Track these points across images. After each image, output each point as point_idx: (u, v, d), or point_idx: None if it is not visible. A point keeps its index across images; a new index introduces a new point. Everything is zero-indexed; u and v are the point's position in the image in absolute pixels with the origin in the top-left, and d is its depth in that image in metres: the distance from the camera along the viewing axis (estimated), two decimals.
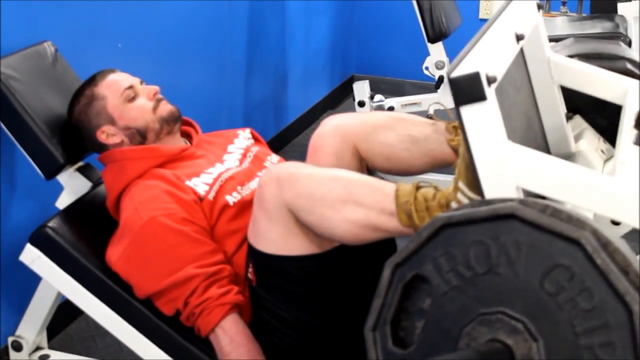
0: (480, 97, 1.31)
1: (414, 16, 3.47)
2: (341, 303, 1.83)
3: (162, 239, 1.88)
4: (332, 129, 1.98)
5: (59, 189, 2.20)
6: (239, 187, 2.02)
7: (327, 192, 1.64)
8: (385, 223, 1.61)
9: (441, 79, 3.55)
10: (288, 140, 4.31)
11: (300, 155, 4.15)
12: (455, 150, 1.92)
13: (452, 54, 3.55)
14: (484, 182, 1.35)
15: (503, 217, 1.24)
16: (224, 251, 1.94)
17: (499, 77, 1.40)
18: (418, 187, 1.61)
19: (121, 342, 2.04)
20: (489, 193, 1.35)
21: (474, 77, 1.31)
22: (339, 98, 4.93)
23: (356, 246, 1.72)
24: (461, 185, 1.52)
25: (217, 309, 1.84)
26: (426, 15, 3.45)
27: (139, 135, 2.10)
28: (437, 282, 1.29)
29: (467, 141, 1.34)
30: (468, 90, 1.32)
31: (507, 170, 1.33)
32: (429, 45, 3.52)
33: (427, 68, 3.59)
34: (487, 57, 1.40)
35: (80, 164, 2.23)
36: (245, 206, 1.97)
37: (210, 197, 1.97)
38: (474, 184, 1.38)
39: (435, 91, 3.60)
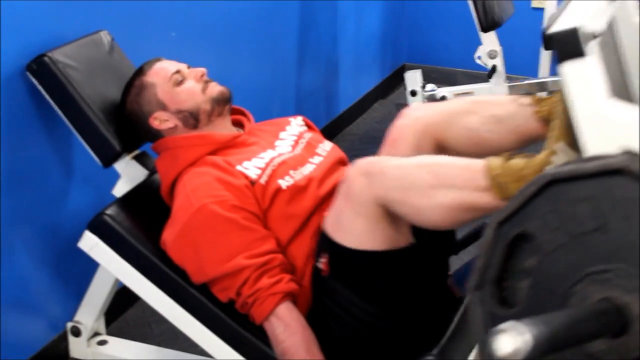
0: (581, 52, 1.26)
1: (466, 5, 3.44)
2: (410, 300, 1.82)
3: (212, 227, 1.88)
4: (412, 121, 1.96)
5: (115, 177, 2.22)
6: (291, 172, 2.01)
7: (416, 180, 1.63)
8: (479, 200, 1.57)
9: (494, 68, 3.51)
10: (339, 130, 4.30)
11: (351, 144, 4.17)
12: (543, 121, 1.87)
13: (504, 43, 3.54)
14: (586, 141, 1.29)
15: (614, 172, 1.18)
16: (278, 238, 1.94)
17: (598, 34, 1.34)
18: (508, 158, 1.57)
19: (177, 328, 2.06)
20: (591, 152, 1.28)
21: (574, 33, 1.27)
22: (390, 87, 4.92)
23: (426, 243, 1.71)
24: (558, 146, 1.47)
25: (269, 298, 1.84)
26: (479, 4, 3.42)
27: (192, 118, 2.11)
28: (544, 239, 1.23)
29: (569, 99, 1.28)
30: (569, 45, 1.27)
31: (610, 129, 1.27)
32: (481, 34, 3.49)
33: (479, 57, 3.56)
34: (585, 13, 1.35)
35: (137, 152, 2.25)
36: (298, 191, 1.97)
37: (262, 181, 1.96)
38: (573, 143, 1.33)
39: (488, 81, 3.57)
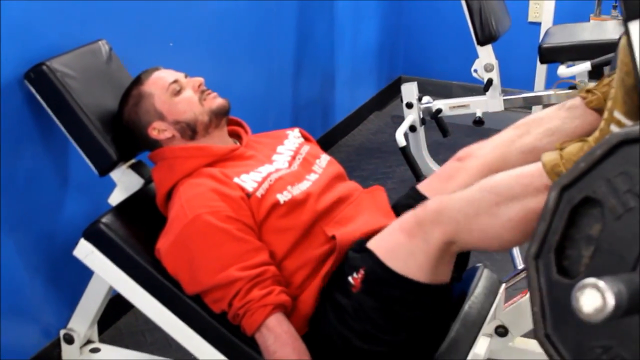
0: None
1: (462, 18, 3.46)
2: (429, 337, 1.85)
3: (206, 237, 1.88)
4: (468, 164, 2.01)
5: (111, 185, 2.23)
6: (289, 187, 2.01)
7: (480, 203, 1.63)
8: (544, 202, 1.57)
9: (490, 81, 3.53)
10: (335, 141, 4.32)
11: (347, 155, 4.18)
12: (598, 111, 1.86)
13: (500, 56, 3.56)
14: None
15: None
16: (273, 252, 1.94)
17: None
18: (561, 148, 1.56)
19: (170, 337, 2.06)
20: None
21: None
22: (386, 99, 4.94)
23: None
24: (618, 115, 1.45)
25: (259, 310, 1.84)
26: (475, 17, 3.44)
27: (189, 129, 2.10)
28: (611, 204, 1.18)
29: (635, 59, 1.23)
30: (638, 3, 1.20)
31: None
32: (478, 47, 3.51)
33: (475, 70, 3.57)
34: None
35: (133, 161, 2.25)
36: (296, 205, 1.97)
37: (259, 194, 1.96)
38: (634, 111, 1.30)
39: (484, 94, 3.59)
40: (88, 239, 2.05)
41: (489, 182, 1.67)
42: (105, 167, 2.16)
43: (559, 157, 1.54)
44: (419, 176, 3.16)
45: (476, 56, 3.54)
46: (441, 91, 4.85)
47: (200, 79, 2.15)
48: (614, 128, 1.46)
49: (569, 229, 1.24)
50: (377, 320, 1.79)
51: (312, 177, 2.10)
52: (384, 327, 1.79)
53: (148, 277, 2.01)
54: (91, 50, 2.27)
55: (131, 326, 2.63)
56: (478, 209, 1.63)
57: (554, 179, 1.51)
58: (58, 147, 2.33)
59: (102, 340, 2.46)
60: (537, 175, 1.57)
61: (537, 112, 2.02)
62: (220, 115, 2.13)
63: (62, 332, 2.35)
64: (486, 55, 3.52)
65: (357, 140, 4.45)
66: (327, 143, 4.13)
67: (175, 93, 2.11)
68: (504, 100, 3.58)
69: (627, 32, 1.23)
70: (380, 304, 1.78)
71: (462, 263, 2.02)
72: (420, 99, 3.58)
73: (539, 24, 4.40)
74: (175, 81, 2.12)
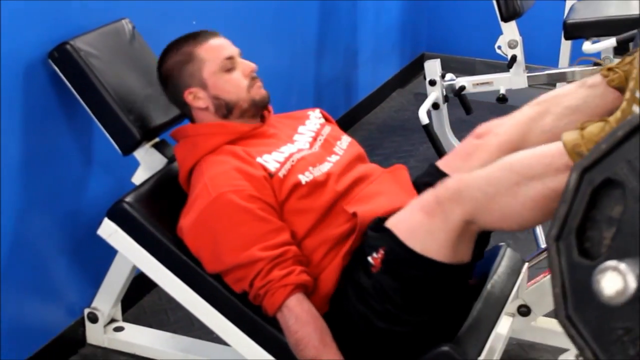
0: None
1: None
2: (451, 316, 1.86)
3: (229, 216, 1.88)
4: (488, 141, 1.99)
5: (135, 165, 2.23)
6: (310, 168, 2.01)
7: (500, 182, 1.62)
8: (565, 182, 1.54)
9: (514, 58, 3.49)
10: (358, 119, 4.30)
11: (369, 133, 4.17)
12: (619, 89, 1.85)
13: (524, 33, 3.52)
14: None
15: None
16: (294, 231, 1.94)
17: None
18: (582, 127, 1.54)
19: (193, 316, 2.07)
20: None
21: None
22: (408, 76, 4.91)
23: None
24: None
25: (280, 290, 1.84)
26: None
27: (226, 108, 2.10)
28: (633, 185, 1.17)
29: None
30: None
31: None
32: (502, 23, 3.47)
33: (499, 47, 3.53)
34: None
35: (156, 140, 2.26)
36: (317, 186, 1.97)
37: (281, 174, 1.97)
38: None
39: (508, 71, 3.56)
40: (112, 218, 2.06)
41: (509, 161, 1.65)
42: (128, 146, 2.17)
43: (580, 137, 1.53)
44: (441, 154, 3.13)
45: (500, 32, 3.50)
46: (464, 68, 4.81)
47: (254, 65, 2.14)
48: (636, 109, 1.45)
49: (590, 211, 1.23)
50: (397, 300, 1.79)
51: (333, 158, 2.10)
52: (405, 306, 1.79)
53: (171, 255, 2.02)
54: (114, 29, 2.27)
55: (154, 305, 2.65)
56: (498, 188, 1.62)
57: (574, 159, 1.50)
58: (82, 127, 2.33)
59: (125, 319, 2.48)
60: (557, 155, 1.56)
61: (557, 89, 1.99)
62: (260, 107, 2.14)
63: (86, 311, 2.38)
64: (510, 31, 3.48)
65: (379, 118, 4.43)
66: (349, 121, 4.11)
67: (227, 70, 2.10)
68: (528, 77, 3.54)
69: None
70: (400, 284, 1.78)
71: (483, 242, 2.00)
72: (443, 76, 3.55)
73: (563, 0, 4.35)
74: (231, 57, 2.11)
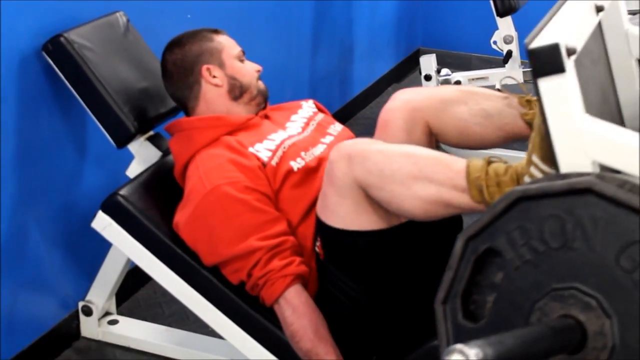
0: (560, 69, 1.28)
1: None
2: (406, 280, 1.83)
3: (225, 208, 1.89)
4: (402, 103, 1.97)
5: (129, 158, 2.23)
6: (302, 153, 2.03)
7: (398, 168, 1.64)
8: (456, 199, 1.61)
9: (509, 53, 3.50)
10: (353, 113, 4.29)
11: (365, 128, 4.15)
12: (529, 124, 1.90)
13: (520, 28, 3.52)
14: (560, 156, 1.32)
15: (580, 191, 1.21)
16: (289, 220, 1.95)
17: (579, 49, 1.36)
18: (489, 162, 1.60)
19: (188, 309, 2.08)
20: (565, 167, 1.32)
21: (554, 49, 1.28)
22: (404, 71, 4.90)
23: (423, 223, 1.72)
24: (535, 159, 1.50)
25: (279, 280, 1.85)
26: None
27: (239, 90, 2.14)
28: (510, 256, 1.27)
29: (544, 114, 1.31)
30: (547, 61, 1.28)
31: (584, 144, 1.30)
32: (497, 19, 3.48)
33: (495, 42, 3.54)
34: (567, 28, 1.36)
35: (151, 133, 2.26)
36: (309, 172, 1.99)
37: (274, 162, 1.98)
38: (549, 157, 1.36)
39: (503, 66, 3.56)
40: (106, 211, 2.06)
41: (415, 153, 1.68)
42: (123, 139, 2.17)
43: (484, 172, 1.57)
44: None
45: (495, 28, 3.51)
46: (460, 63, 4.80)
47: (260, 67, 2.21)
48: (534, 171, 1.51)
49: (477, 275, 1.32)
50: (350, 283, 1.82)
51: (328, 139, 2.13)
52: (360, 286, 1.81)
53: (165, 249, 2.02)
54: (109, 22, 2.27)
55: (149, 298, 2.64)
56: (394, 172, 1.65)
57: (472, 190, 1.58)
58: (76, 119, 2.32)
59: (120, 312, 2.48)
60: (460, 175, 1.60)
61: (484, 89, 2.03)
62: (263, 98, 2.19)
63: (80, 304, 2.37)
64: (506, 26, 3.49)
65: (375, 113, 4.40)
66: (345, 116, 4.11)
67: (241, 60, 2.17)
68: (524, 72, 3.55)
69: (536, 88, 1.30)
70: (342, 265, 1.81)
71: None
72: (438, 71, 3.56)
73: None
74: (243, 52, 2.19)
